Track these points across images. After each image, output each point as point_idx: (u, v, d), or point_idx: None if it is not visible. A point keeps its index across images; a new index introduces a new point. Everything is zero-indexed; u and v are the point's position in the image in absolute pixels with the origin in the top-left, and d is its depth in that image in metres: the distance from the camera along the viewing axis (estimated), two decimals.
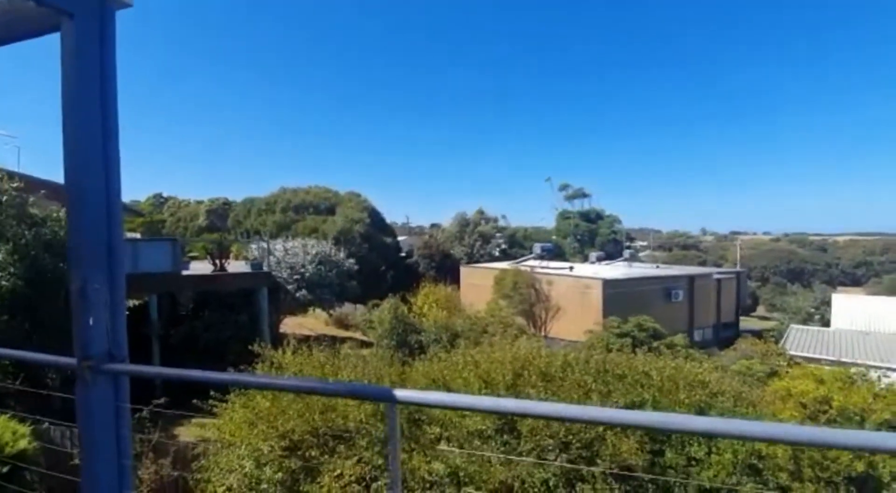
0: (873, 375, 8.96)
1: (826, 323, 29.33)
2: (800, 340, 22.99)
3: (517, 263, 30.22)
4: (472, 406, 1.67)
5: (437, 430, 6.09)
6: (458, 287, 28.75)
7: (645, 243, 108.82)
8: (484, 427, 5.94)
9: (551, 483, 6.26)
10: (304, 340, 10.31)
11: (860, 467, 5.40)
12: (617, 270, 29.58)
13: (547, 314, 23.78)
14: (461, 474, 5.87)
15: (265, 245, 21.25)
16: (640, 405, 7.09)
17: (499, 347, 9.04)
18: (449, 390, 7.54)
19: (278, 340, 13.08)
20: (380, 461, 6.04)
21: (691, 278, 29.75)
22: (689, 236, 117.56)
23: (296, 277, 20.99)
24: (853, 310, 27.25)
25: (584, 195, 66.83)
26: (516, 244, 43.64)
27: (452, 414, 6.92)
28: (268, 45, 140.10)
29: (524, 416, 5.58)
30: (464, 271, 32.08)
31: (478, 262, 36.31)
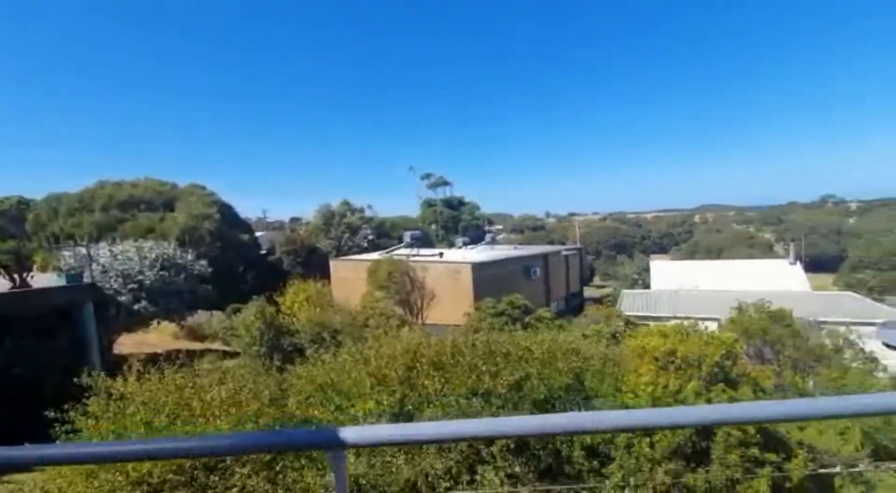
0: (700, 325, 10.89)
1: (647, 285, 35.13)
2: (631, 302, 27.10)
3: (389, 252, 30.02)
4: (456, 434, 1.35)
5: None
6: (329, 282, 27.49)
7: (501, 227, 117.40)
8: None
9: (454, 471, 6.26)
10: (151, 359, 8.67)
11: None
12: (482, 253, 31.32)
13: (423, 302, 24.13)
14: (362, 481, 5.51)
15: (83, 251, 17.57)
16: (526, 379, 7.52)
17: (385, 341, 8.77)
18: (339, 392, 7.03)
19: (115, 364, 10.87)
20: (268, 487, 5.34)
21: (545, 256, 32.95)
22: (536, 219, 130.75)
23: (131, 286, 17.79)
24: (665, 273, 33.14)
25: (446, 184, 69.32)
26: (384, 235, 43.37)
27: (346, 419, 6.47)
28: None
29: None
30: (333, 264, 30.79)
31: (346, 254, 35.19)
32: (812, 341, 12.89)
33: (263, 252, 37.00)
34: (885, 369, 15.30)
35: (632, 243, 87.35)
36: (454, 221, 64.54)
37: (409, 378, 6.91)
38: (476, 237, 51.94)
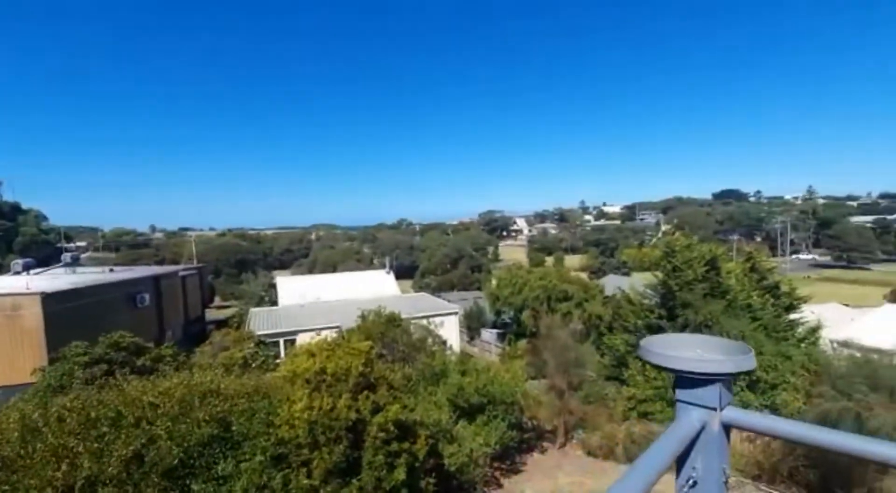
0: (324, 334, 11.54)
1: (275, 302, 35.31)
2: (261, 320, 26.46)
3: None
4: None
5: None
6: None
7: (84, 244, 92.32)
8: None
9: None
10: None
11: None
12: (58, 280, 23.21)
13: None
14: None
15: None
16: (151, 444, 5.80)
17: None
18: None
19: None
20: None
21: (156, 279, 27.79)
22: (137, 234, 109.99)
23: None
24: (290, 288, 34.30)
25: None
26: None
27: None
28: None
29: None
30: None
31: None
32: (412, 336, 16.10)
33: None
34: (451, 347, 20.92)
35: (255, 260, 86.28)
36: (5, 237, 45.67)
37: None
38: (45, 258, 38.33)
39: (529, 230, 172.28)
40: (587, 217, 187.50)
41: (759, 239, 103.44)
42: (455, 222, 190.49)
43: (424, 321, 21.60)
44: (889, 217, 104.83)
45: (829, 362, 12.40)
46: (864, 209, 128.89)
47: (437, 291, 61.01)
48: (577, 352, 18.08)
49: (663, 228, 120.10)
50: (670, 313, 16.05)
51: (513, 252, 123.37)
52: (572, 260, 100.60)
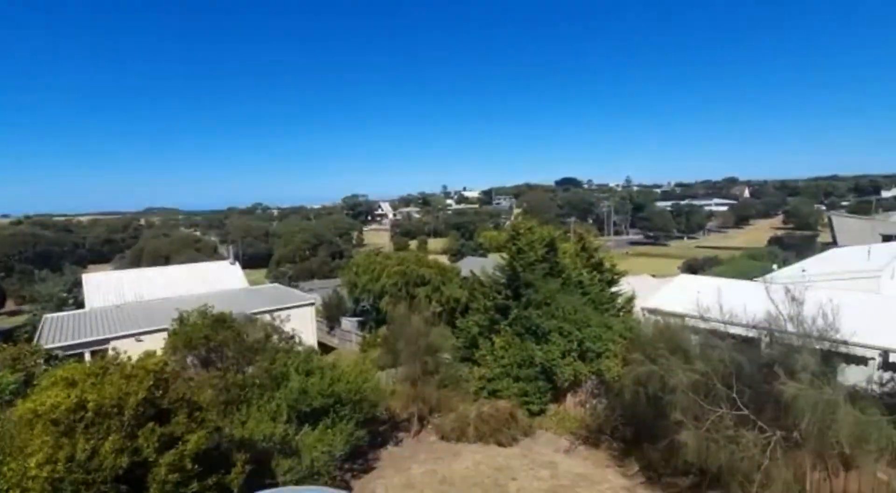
0: (123, 350, 9.32)
1: (81, 304, 29.04)
2: (55, 330, 21.37)
3: None
4: None
5: None
6: None
7: None
8: None
9: None
10: None
11: None
12: None
13: None
14: None
15: None
16: None
17: None
18: None
19: None
20: None
21: None
22: None
23: None
24: (105, 286, 28.46)
25: None
26: None
27: None
28: None
29: None
30: None
31: None
32: (251, 336, 14.21)
33: None
34: (301, 342, 19.26)
35: (60, 254, 71.03)
36: None
37: None
38: None
39: (394, 215, 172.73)
40: (449, 201, 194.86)
41: (591, 221, 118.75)
42: (318, 207, 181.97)
43: (270, 316, 19.57)
44: (682, 202, 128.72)
45: (639, 330, 14.11)
46: (665, 196, 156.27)
47: (294, 280, 57.23)
48: (433, 337, 18.07)
49: (515, 211, 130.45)
50: (515, 292, 16.85)
51: (378, 237, 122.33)
52: (436, 243, 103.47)
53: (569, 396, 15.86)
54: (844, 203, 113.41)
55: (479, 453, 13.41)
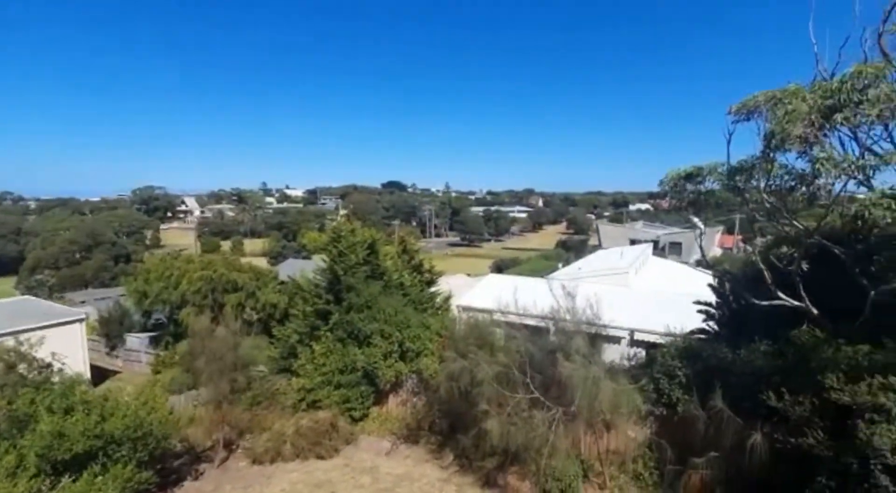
0: None
1: None
2: None
3: None
4: None
5: None
6: None
7: None
8: None
9: None
10: None
11: None
12: None
13: None
14: None
15: None
16: None
17: None
18: None
19: None
20: None
21: None
22: None
23: None
24: None
25: None
26: None
27: None
28: None
29: None
30: None
31: None
32: None
33: None
34: (62, 370, 15.33)
35: None
36: None
37: None
38: None
39: (202, 212, 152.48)
40: (270, 199, 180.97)
41: (414, 223, 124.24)
42: (96, 199, 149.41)
43: (15, 340, 15.08)
44: (492, 208, 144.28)
45: (453, 327, 15.15)
46: (478, 202, 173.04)
47: (59, 291, 45.83)
48: (245, 349, 16.39)
49: (341, 212, 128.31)
50: (337, 296, 16.38)
51: (181, 237, 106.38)
52: (254, 244, 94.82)
53: (391, 397, 16.10)
54: (606, 214, 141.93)
55: (295, 471, 12.59)
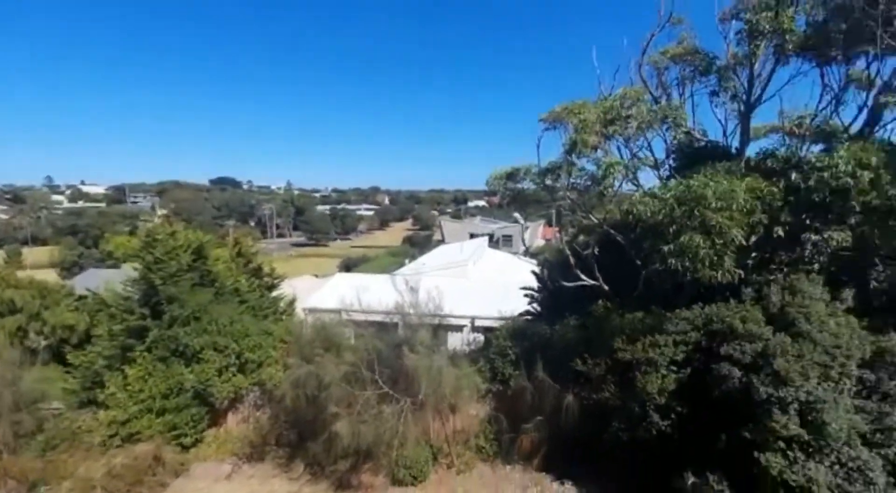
0: None
1: None
2: None
3: None
4: None
5: None
6: None
7: None
8: None
9: None
10: None
11: None
12: None
13: None
14: None
15: None
16: None
17: None
18: None
19: None
20: None
21: None
22: None
23: None
24: None
25: None
26: None
27: None
28: None
29: None
30: None
31: None
32: None
33: None
34: None
35: None
36: None
37: None
38: None
39: None
40: (58, 198, 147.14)
41: (253, 224, 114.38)
42: None
43: None
44: (338, 207, 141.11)
45: (298, 331, 14.50)
46: (324, 200, 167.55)
47: None
48: (29, 383, 13.33)
49: (160, 212, 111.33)
50: (155, 310, 14.23)
51: None
52: (38, 254, 76.18)
53: (230, 414, 14.69)
54: (449, 210, 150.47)
55: None
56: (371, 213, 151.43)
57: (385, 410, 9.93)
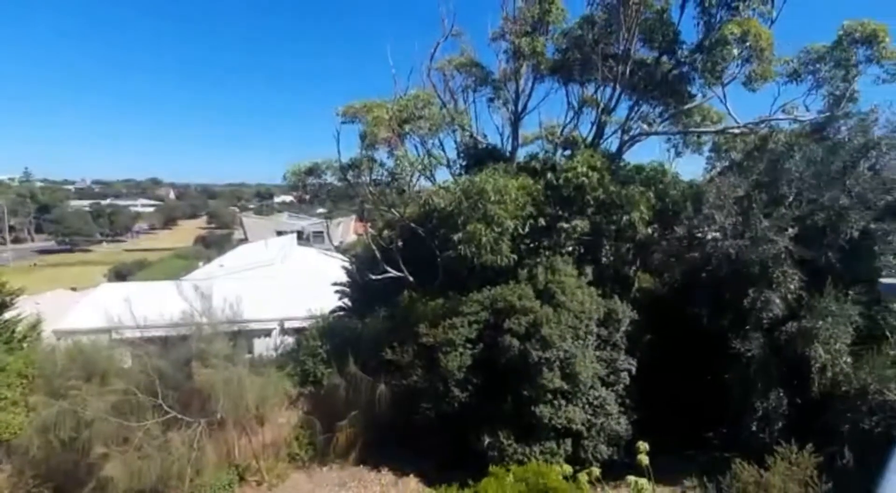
0: None
1: None
2: None
3: None
4: None
5: None
6: None
7: None
8: None
9: None
10: None
11: None
12: None
13: None
14: None
15: None
16: None
17: None
18: None
19: None
20: None
21: None
22: None
23: None
24: None
25: None
26: None
27: None
28: None
29: None
30: None
31: None
32: None
33: None
34: None
35: None
36: None
37: None
38: None
39: None
40: None
41: None
42: None
43: None
44: (103, 202, 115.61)
45: (45, 362, 11.46)
46: (81, 194, 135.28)
47: None
48: None
49: None
50: None
51: None
52: None
53: None
54: (251, 206, 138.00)
55: None
56: (151, 209, 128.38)
57: (174, 438, 8.63)
